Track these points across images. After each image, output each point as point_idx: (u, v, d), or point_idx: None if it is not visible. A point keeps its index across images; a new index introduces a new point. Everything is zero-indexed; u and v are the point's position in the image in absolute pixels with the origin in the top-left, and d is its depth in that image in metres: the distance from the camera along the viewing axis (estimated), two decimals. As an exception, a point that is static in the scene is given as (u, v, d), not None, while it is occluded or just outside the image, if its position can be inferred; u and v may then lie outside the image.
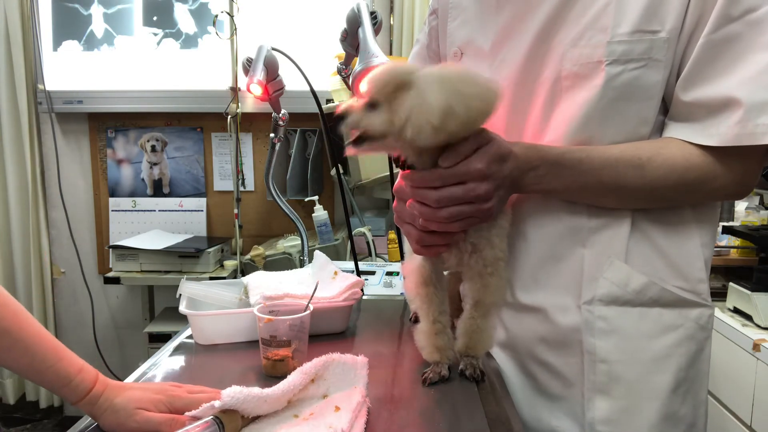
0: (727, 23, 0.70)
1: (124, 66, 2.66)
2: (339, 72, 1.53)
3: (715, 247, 1.79)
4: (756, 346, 1.55)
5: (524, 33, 0.81)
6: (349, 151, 0.73)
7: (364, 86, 0.71)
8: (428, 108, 0.65)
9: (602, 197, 0.78)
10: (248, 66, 1.55)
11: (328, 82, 2.28)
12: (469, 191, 0.71)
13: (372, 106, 0.69)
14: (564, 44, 0.77)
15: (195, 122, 2.67)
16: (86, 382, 0.68)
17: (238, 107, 2.42)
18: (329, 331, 1.03)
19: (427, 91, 0.65)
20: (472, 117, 0.67)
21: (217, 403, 0.63)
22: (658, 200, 0.78)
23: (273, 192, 1.80)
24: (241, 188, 2.51)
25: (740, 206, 2.16)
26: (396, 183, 0.81)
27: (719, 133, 0.71)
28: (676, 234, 0.79)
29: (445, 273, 0.86)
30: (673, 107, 0.76)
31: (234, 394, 0.64)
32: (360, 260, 1.65)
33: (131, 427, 0.67)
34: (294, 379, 0.69)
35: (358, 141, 0.71)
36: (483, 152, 0.70)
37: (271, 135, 1.77)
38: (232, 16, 2.40)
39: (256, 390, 0.65)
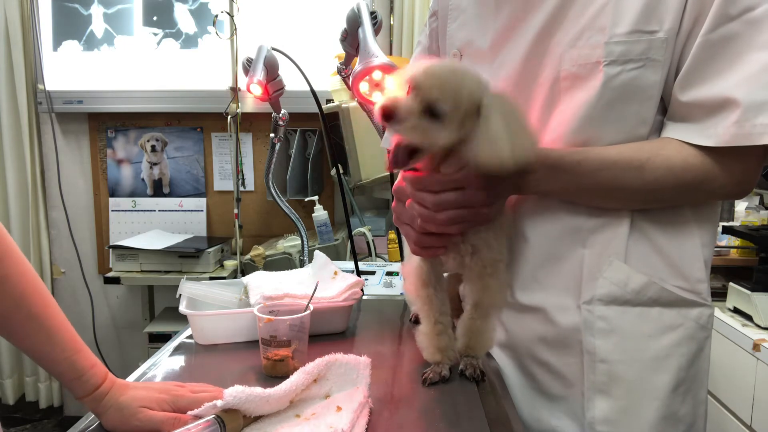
0: (725, 22, 0.69)
1: (124, 66, 2.66)
2: (339, 72, 1.53)
3: (715, 247, 1.79)
4: (756, 346, 1.55)
5: (523, 34, 0.81)
6: (391, 167, 0.69)
7: (422, 79, 0.65)
8: (498, 149, 0.65)
9: (601, 198, 0.78)
10: (248, 66, 1.55)
11: (328, 82, 2.28)
12: (467, 197, 0.71)
13: (433, 114, 0.65)
14: (562, 45, 0.77)
15: (195, 122, 2.67)
16: (96, 378, 0.69)
17: (238, 107, 2.42)
18: (329, 331, 1.03)
19: (498, 131, 0.66)
20: (524, 162, 0.69)
21: (219, 403, 0.64)
22: (657, 201, 0.78)
23: (273, 192, 1.80)
24: (241, 188, 2.51)
25: (740, 206, 2.16)
26: (396, 183, 0.81)
27: (717, 133, 0.70)
28: (675, 233, 0.79)
29: (445, 275, 0.86)
30: (671, 107, 0.76)
31: (236, 393, 0.64)
32: (360, 260, 1.65)
33: (134, 425, 0.67)
34: (296, 379, 0.70)
35: (411, 155, 0.68)
36: None
37: (271, 135, 1.77)
38: (232, 16, 2.40)
39: (258, 390, 0.65)
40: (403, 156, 0.69)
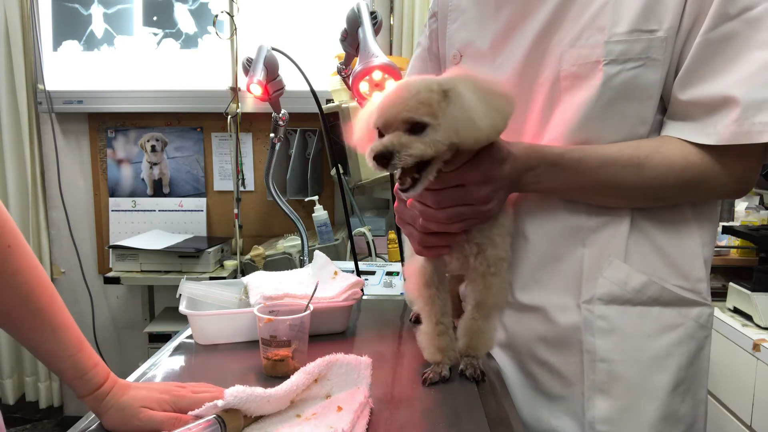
0: (724, 21, 0.70)
1: (124, 66, 2.66)
2: (339, 72, 1.53)
3: (715, 246, 1.79)
4: (756, 346, 1.55)
5: (523, 34, 0.81)
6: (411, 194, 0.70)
7: (389, 109, 0.67)
8: (472, 122, 0.66)
9: (601, 196, 0.78)
10: (248, 66, 1.55)
11: (328, 82, 2.28)
12: (468, 194, 0.71)
13: (414, 130, 0.66)
14: (562, 45, 0.77)
15: (195, 122, 2.67)
16: (98, 377, 0.69)
17: (238, 107, 2.42)
18: (329, 331, 1.03)
19: (469, 103, 0.67)
20: (504, 125, 0.70)
21: (220, 403, 0.64)
22: (657, 199, 0.78)
23: (273, 192, 1.80)
24: (241, 188, 2.51)
25: (740, 206, 2.16)
26: (397, 184, 0.81)
27: (717, 132, 0.71)
28: (675, 233, 0.79)
29: (446, 275, 0.86)
30: (671, 106, 0.77)
31: (237, 393, 0.64)
32: (360, 260, 1.65)
33: (135, 425, 0.67)
34: (297, 379, 0.70)
35: (416, 180, 0.68)
36: (482, 156, 0.71)
37: (271, 135, 1.77)
38: (232, 16, 2.40)
39: (259, 390, 0.65)
40: (411, 179, 0.69)
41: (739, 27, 0.69)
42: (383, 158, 0.65)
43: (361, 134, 0.75)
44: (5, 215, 0.63)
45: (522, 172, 0.75)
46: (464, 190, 0.71)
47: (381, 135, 0.69)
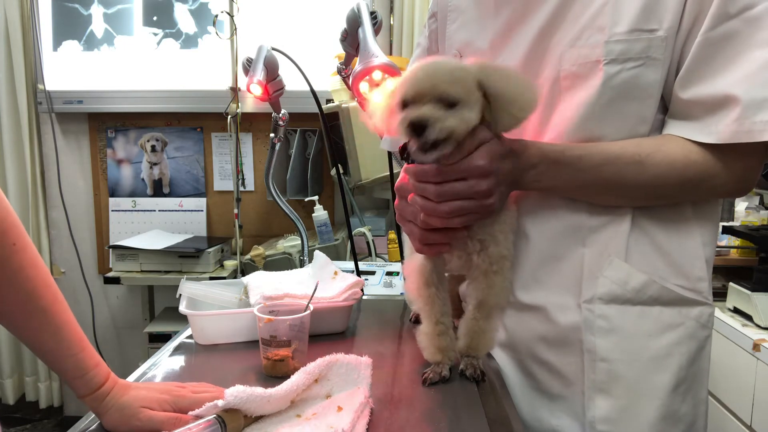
0: (724, 21, 0.70)
1: (124, 66, 2.66)
2: (339, 72, 1.53)
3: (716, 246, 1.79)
4: (756, 346, 1.55)
5: (523, 34, 0.81)
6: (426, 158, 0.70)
7: (423, 81, 0.68)
8: (522, 100, 0.70)
9: (602, 194, 0.78)
10: (248, 66, 1.55)
11: (328, 82, 2.28)
12: (470, 187, 0.71)
13: (451, 105, 0.68)
14: (562, 44, 0.77)
15: (195, 122, 2.67)
16: (99, 377, 0.69)
17: (238, 107, 2.42)
18: (329, 331, 1.03)
19: (515, 84, 0.70)
20: (534, 109, 0.73)
21: (220, 402, 0.64)
22: (658, 197, 0.78)
23: (273, 192, 1.80)
24: (241, 188, 2.51)
25: (740, 206, 2.16)
26: (398, 181, 0.81)
27: (718, 130, 0.71)
28: (676, 232, 0.79)
29: (446, 275, 0.86)
30: (672, 105, 0.77)
31: (237, 393, 0.64)
32: (360, 260, 1.65)
33: (135, 425, 0.67)
34: (298, 379, 0.70)
35: (434, 146, 0.68)
36: (485, 149, 0.71)
37: (271, 135, 1.77)
38: (232, 16, 2.40)
39: (259, 390, 0.65)
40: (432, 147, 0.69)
41: (740, 26, 0.69)
42: (419, 127, 0.66)
43: (382, 113, 0.77)
44: (11, 214, 0.64)
45: (523, 169, 0.75)
46: (466, 183, 0.71)
47: (404, 107, 0.70)
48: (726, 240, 2.00)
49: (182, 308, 0.99)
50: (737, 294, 1.75)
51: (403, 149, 0.76)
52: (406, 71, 0.73)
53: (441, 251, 0.80)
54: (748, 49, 0.69)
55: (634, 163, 0.74)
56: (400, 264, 1.61)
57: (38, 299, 0.65)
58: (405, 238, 0.88)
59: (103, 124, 2.68)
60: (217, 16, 2.39)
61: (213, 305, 1.06)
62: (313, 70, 1.56)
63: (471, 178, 0.71)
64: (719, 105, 0.71)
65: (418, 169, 0.73)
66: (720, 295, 1.83)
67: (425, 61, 0.71)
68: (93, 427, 0.70)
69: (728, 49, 0.70)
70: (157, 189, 2.71)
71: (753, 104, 0.68)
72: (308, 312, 0.87)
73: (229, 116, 2.39)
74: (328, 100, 2.24)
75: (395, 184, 0.82)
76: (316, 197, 2.10)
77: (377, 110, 0.78)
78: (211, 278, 2.28)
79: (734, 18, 0.69)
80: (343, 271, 1.14)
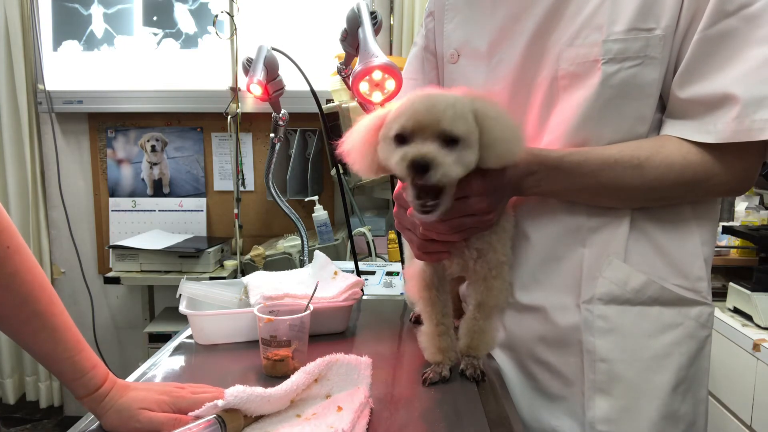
0: (722, 19, 0.70)
1: (124, 66, 2.66)
2: (339, 72, 1.53)
3: (715, 246, 1.80)
4: (756, 346, 1.55)
5: (520, 33, 0.81)
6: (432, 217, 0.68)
7: (424, 115, 0.64)
8: (511, 142, 0.68)
9: (602, 198, 0.78)
10: (248, 66, 1.55)
11: (328, 82, 2.28)
12: (470, 206, 0.71)
13: (452, 142, 0.64)
14: (560, 44, 0.77)
15: (195, 122, 2.67)
16: (97, 378, 0.69)
17: (238, 107, 2.42)
18: (329, 331, 1.03)
19: (506, 124, 0.68)
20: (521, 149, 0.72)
21: (220, 403, 0.63)
22: (657, 199, 0.78)
23: (273, 192, 1.80)
24: (241, 188, 2.51)
25: (740, 206, 2.15)
26: (396, 189, 0.81)
27: (716, 129, 0.71)
28: (675, 232, 0.79)
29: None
30: (670, 104, 0.76)
31: (237, 393, 0.64)
32: (360, 260, 1.65)
33: (134, 426, 0.67)
34: (297, 378, 0.70)
35: (431, 193, 0.66)
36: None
37: (271, 135, 1.76)
38: (232, 16, 2.40)
39: (259, 389, 0.65)
40: (433, 198, 0.67)
41: (737, 24, 0.69)
42: (420, 167, 0.62)
43: (357, 141, 0.73)
44: (4, 216, 0.63)
45: (522, 177, 0.75)
46: (466, 201, 0.71)
47: (400, 141, 0.66)
48: (726, 240, 2.00)
49: (182, 308, 0.99)
50: (737, 294, 1.75)
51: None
52: (398, 103, 0.69)
53: (440, 259, 0.80)
54: (747, 46, 0.69)
55: (632, 167, 0.74)
56: (400, 264, 1.61)
57: (34, 302, 0.65)
58: (405, 242, 0.88)
59: (103, 124, 2.68)
60: (217, 16, 2.39)
61: (213, 305, 1.06)
62: (313, 70, 1.56)
63: (472, 196, 0.71)
64: (718, 103, 0.70)
65: (428, 221, 0.72)
66: (720, 295, 1.83)
67: (421, 92, 0.67)
68: (93, 427, 0.70)
69: (726, 47, 0.70)
70: (157, 189, 2.70)
71: (752, 102, 0.67)
72: (308, 312, 0.87)
73: (229, 116, 2.39)
74: (328, 100, 2.24)
75: (394, 192, 0.82)
76: (316, 197, 2.10)
77: (355, 145, 0.73)
78: (211, 278, 2.28)
79: (732, 16, 0.69)
80: (343, 271, 1.14)
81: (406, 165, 0.63)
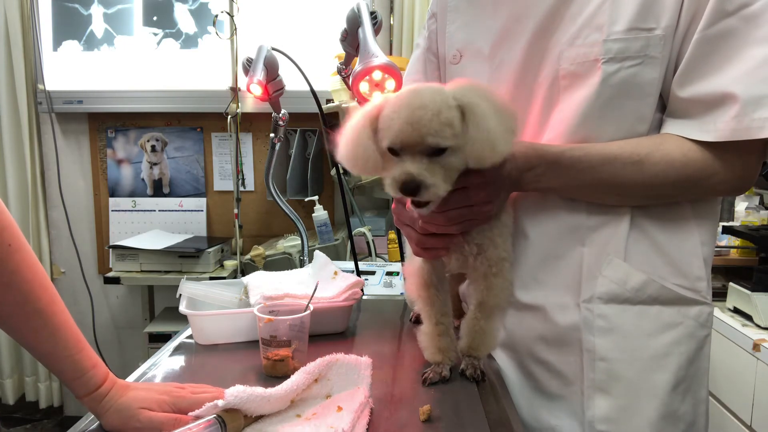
0: (722, 18, 0.70)
1: (124, 66, 2.65)
2: (339, 72, 1.53)
3: (715, 247, 1.80)
4: (756, 346, 1.55)
5: (521, 34, 0.81)
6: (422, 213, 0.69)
7: (410, 131, 0.64)
8: (493, 147, 0.67)
9: (601, 194, 0.78)
10: (248, 66, 1.55)
11: (328, 82, 2.28)
12: (469, 197, 0.71)
13: (435, 153, 0.66)
14: (561, 44, 0.77)
15: (195, 122, 2.67)
16: (97, 378, 0.69)
17: (238, 107, 2.42)
18: (329, 331, 1.03)
19: (491, 121, 0.67)
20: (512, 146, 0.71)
21: (220, 402, 0.64)
22: (657, 197, 0.78)
23: (273, 192, 1.80)
24: (241, 188, 2.51)
25: (740, 206, 2.15)
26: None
27: (716, 128, 0.71)
28: (675, 232, 0.79)
29: (447, 275, 0.86)
30: (670, 104, 0.77)
31: (237, 393, 0.64)
32: (360, 260, 1.65)
33: (134, 426, 0.67)
34: (297, 378, 0.70)
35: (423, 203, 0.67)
36: None
37: (271, 135, 1.76)
38: (232, 16, 2.40)
39: (259, 389, 0.65)
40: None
41: (737, 24, 0.69)
42: (410, 189, 0.65)
43: (350, 138, 0.72)
44: (6, 214, 0.63)
45: (522, 171, 0.75)
46: (465, 192, 0.71)
47: (394, 152, 0.68)
48: (726, 240, 2.00)
49: (182, 308, 0.99)
50: (737, 294, 1.75)
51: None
52: (390, 99, 0.69)
53: (438, 255, 0.80)
54: (746, 46, 0.69)
55: (632, 163, 0.74)
56: (400, 264, 1.61)
57: (35, 301, 0.65)
58: (406, 239, 0.89)
59: (103, 124, 2.68)
60: (217, 16, 2.39)
61: (213, 305, 1.06)
62: (313, 70, 1.56)
63: (471, 187, 0.71)
64: (717, 103, 0.71)
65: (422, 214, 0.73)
66: (720, 295, 1.83)
67: (406, 97, 0.66)
68: (93, 427, 0.70)
69: (726, 46, 0.70)
70: (157, 189, 2.70)
71: (751, 101, 0.68)
72: (308, 312, 0.87)
73: (229, 116, 2.38)
74: (328, 100, 2.24)
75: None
76: (316, 197, 2.10)
77: (344, 144, 0.73)
78: (211, 278, 2.28)
79: (732, 16, 0.69)
80: (343, 271, 1.14)
81: (397, 188, 0.66)
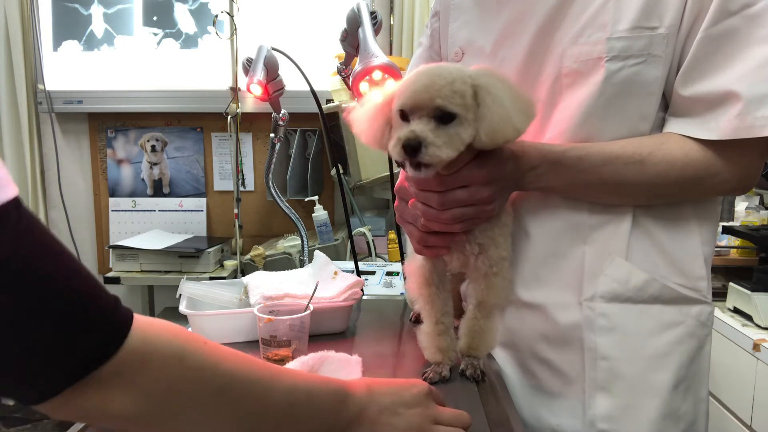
0: (725, 18, 0.70)
1: (124, 66, 2.66)
2: (339, 72, 1.53)
3: (715, 246, 1.80)
4: (756, 346, 1.55)
5: (524, 32, 0.81)
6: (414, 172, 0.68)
7: (421, 92, 0.65)
8: (508, 122, 0.67)
9: (603, 194, 0.78)
10: (248, 66, 1.55)
11: (328, 82, 2.28)
12: (472, 195, 0.71)
13: (443, 119, 0.66)
14: (564, 42, 0.77)
15: (195, 122, 2.67)
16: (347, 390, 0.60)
17: (238, 107, 2.42)
18: (329, 331, 1.03)
19: (506, 100, 0.67)
20: (526, 128, 0.70)
21: None
22: (659, 196, 0.78)
23: (273, 192, 1.80)
24: (241, 188, 2.51)
25: (740, 206, 2.16)
26: (398, 182, 0.81)
27: (719, 127, 0.71)
28: (676, 231, 0.79)
29: (448, 274, 0.86)
30: (672, 102, 0.77)
31: None
32: (360, 260, 1.65)
33: None
34: (293, 367, 0.70)
35: (423, 165, 0.66)
36: (485, 156, 0.71)
37: (271, 135, 1.77)
38: (232, 16, 2.40)
39: None
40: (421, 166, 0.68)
41: (740, 23, 0.69)
42: (411, 148, 0.65)
43: (367, 112, 0.74)
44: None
45: (524, 171, 0.75)
46: (468, 190, 0.71)
47: (404, 116, 0.69)
48: (726, 240, 2.00)
49: (182, 308, 0.99)
50: (737, 294, 1.75)
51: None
52: (407, 75, 0.71)
53: (440, 254, 0.80)
54: (749, 45, 0.69)
55: (634, 163, 0.74)
56: (400, 264, 1.61)
57: (260, 403, 0.53)
58: (406, 238, 0.89)
59: (103, 124, 2.68)
60: (217, 16, 2.39)
61: (213, 305, 1.06)
62: (313, 70, 1.56)
63: (473, 185, 0.71)
64: (720, 101, 0.71)
65: (420, 178, 0.73)
66: (720, 295, 1.83)
67: (426, 67, 0.69)
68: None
69: (729, 46, 0.70)
70: (157, 189, 2.71)
71: (754, 100, 0.68)
72: (308, 312, 0.87)
73: (229, 116, 2.39)
74: (328, 100, 2.24)
75: (395, 186, 0.82)
76: (316, 197, 2.10)
77: (361, 117, 0.75)
78: (211, 278, 2.28)
79: (735, 15, 0.69)
80: (343, 271, 1.14)
81: (400, 146, 0.66)
